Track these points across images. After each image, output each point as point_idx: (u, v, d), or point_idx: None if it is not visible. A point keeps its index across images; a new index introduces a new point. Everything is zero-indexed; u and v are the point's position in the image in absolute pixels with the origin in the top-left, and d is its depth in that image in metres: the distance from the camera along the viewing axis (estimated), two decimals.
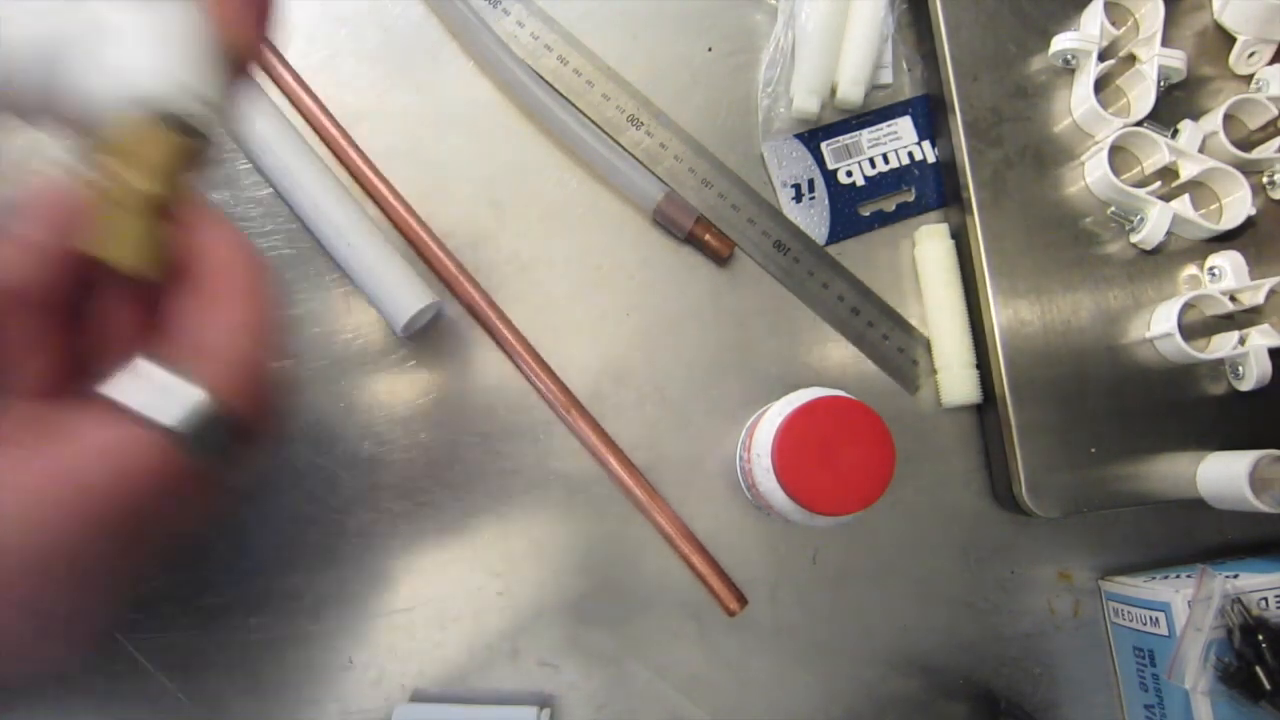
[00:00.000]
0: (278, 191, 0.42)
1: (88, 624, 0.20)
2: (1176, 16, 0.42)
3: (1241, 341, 0.39)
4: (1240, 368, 0.40)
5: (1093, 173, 0.41)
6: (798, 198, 0.44)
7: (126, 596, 0.22)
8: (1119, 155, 0.40)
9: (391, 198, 0.42)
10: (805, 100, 0.43)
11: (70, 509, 0.17)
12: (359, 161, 0.42)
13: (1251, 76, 0.42)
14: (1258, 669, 0.36)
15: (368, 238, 0.40)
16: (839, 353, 0.43)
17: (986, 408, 0.42)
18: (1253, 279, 0.40)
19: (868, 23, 0.43)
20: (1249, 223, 0.40)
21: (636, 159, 0.43)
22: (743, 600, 0.41)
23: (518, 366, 0.42)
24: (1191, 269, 0.41)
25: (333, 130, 0.42)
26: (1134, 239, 0.40)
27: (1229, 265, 0.40)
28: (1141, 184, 0.40)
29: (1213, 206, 0.41)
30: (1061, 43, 0.41)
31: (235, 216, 0.42)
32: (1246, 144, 0.40)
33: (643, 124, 0.44)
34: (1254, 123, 0.41)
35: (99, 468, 0.17)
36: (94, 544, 0.17)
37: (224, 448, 0.18)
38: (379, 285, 0.40)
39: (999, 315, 0.40)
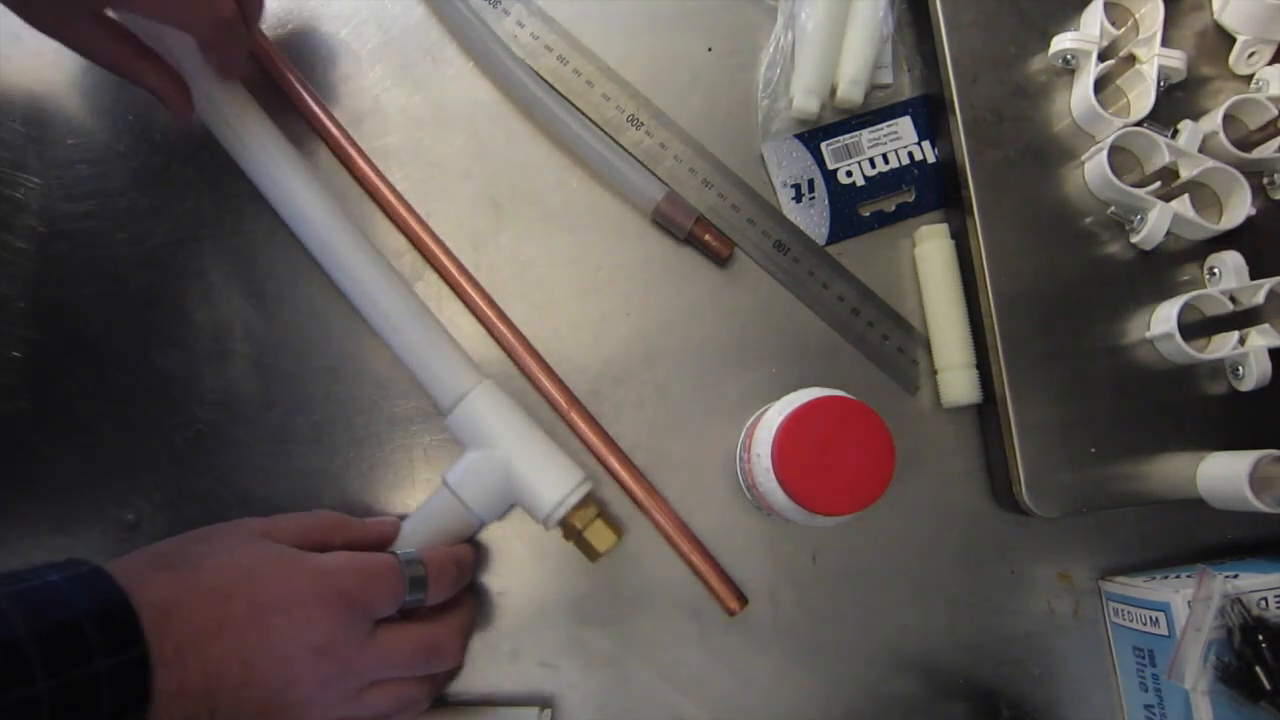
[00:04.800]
0: (321, 268, 0.41)
1: None
2: (1176, 16, 0.42)
3: (1241, 341, 0.39)
4: (1240, 368, 0.40)
5: (1093, 173, 0.41)
6: (798, 198, 0.44)
7: None
8: (1119, 155, 0.40)
9: (392, 197, 0.42)
10: (805, 100, 0.43)
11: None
12: (360, 161, 0.42)
13: (1251, 76, 0.42)
14: (1258, 669, 0.36)
15: (414, 321, 0.40)
16: (839, 353, 0.43)
17: (986, 408, 0.42)
18: (1253, 279, 0.40)
19: (867, 23, 0.43)
20: (1249, 223, 0.40)
21: (636, 159, 0.43)
22: (743, 600, 0.41)
23: (518, 366, 0.42)
24: (1191, 269, 0.41)
25: (334, 130, 0.42)
26: (1134, 239, 0.40)
27: (1229, 265, 0.40)
28: (1141, 184, 0.40)
29: (1213, 206, 0.41)
30: (1061, 43, 0.41)
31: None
32: (1246, 144, 0.40)
33: (643, 124, 0.44)
34: (1254, 123, 0.41)
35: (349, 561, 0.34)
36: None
37: (418, 589, 0.36)
38: (426, 369, 0.40)
39: (999, 315, 0.40)
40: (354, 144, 0.43)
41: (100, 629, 0.27)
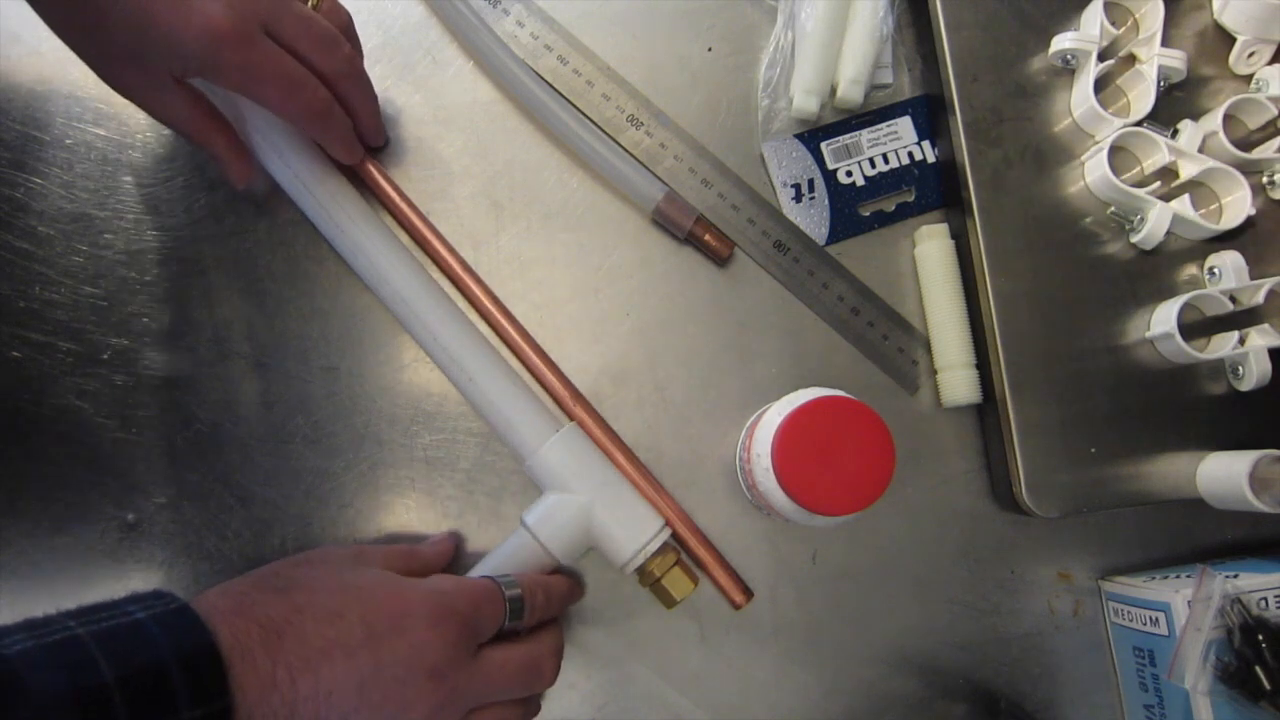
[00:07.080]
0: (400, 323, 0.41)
1: None
2: (1176, 16, 0.42)
3: (1241, 341, 0.39)
4: (1240, 368, 0.40)
5: (1093, 173, 0.41)
6: (798, 198, 0.44)
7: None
8: (1119, 155, 0.40)
9: (399, 199, 0.42)
10: (805, 100, 0.43)
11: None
12: (365, 162, 0.42)
13: (1251, 76, 0.42)
14: (1258, 669, 0.36)
15: (494, 367, 0.40)
16: (839, 353, 0.43)
17: (986, 408, 0.42)
18: (1252, 279, 0.40)
19: (867, 23, 0.43)
20: (1249, 223, 0.40)
21: (636, 159, 0.43)
22: (748, 593, 0.41)
23: (524, 364, 0.42)
24: (1191, 269, 0.41)
25: None
26: (1134, 239, 0.40)
27: (1229, 265, 0.40)
28: (1141, 184, 0.40)
29: (1213, 206, 0.41)
30: (1061, 43, 0.41)
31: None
32: (1246, 144, 0.40)
33: (643, 124, 0.44)
34: (1254, 123, 0.41)
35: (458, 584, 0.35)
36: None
37: (516, 614, 0.35)
38: (506, 415, 0.39)
39: (999, 315, 0.40)
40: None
41: (187, 676, 0.26)
